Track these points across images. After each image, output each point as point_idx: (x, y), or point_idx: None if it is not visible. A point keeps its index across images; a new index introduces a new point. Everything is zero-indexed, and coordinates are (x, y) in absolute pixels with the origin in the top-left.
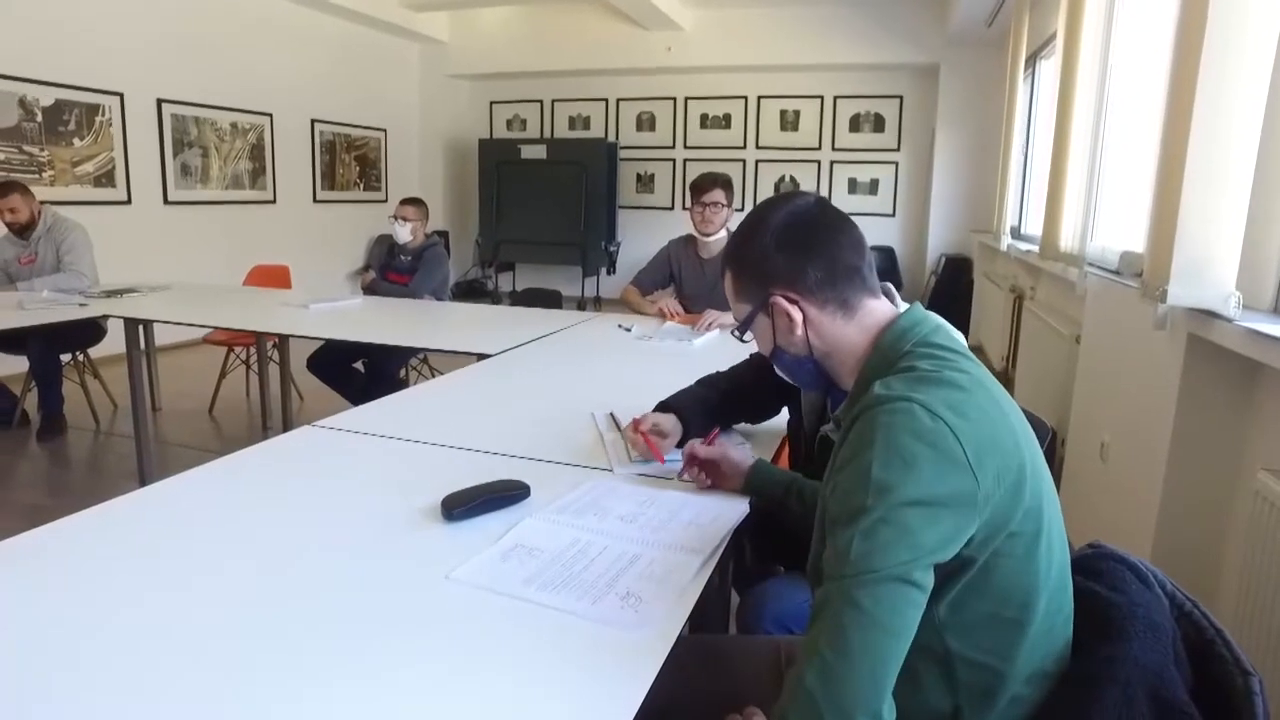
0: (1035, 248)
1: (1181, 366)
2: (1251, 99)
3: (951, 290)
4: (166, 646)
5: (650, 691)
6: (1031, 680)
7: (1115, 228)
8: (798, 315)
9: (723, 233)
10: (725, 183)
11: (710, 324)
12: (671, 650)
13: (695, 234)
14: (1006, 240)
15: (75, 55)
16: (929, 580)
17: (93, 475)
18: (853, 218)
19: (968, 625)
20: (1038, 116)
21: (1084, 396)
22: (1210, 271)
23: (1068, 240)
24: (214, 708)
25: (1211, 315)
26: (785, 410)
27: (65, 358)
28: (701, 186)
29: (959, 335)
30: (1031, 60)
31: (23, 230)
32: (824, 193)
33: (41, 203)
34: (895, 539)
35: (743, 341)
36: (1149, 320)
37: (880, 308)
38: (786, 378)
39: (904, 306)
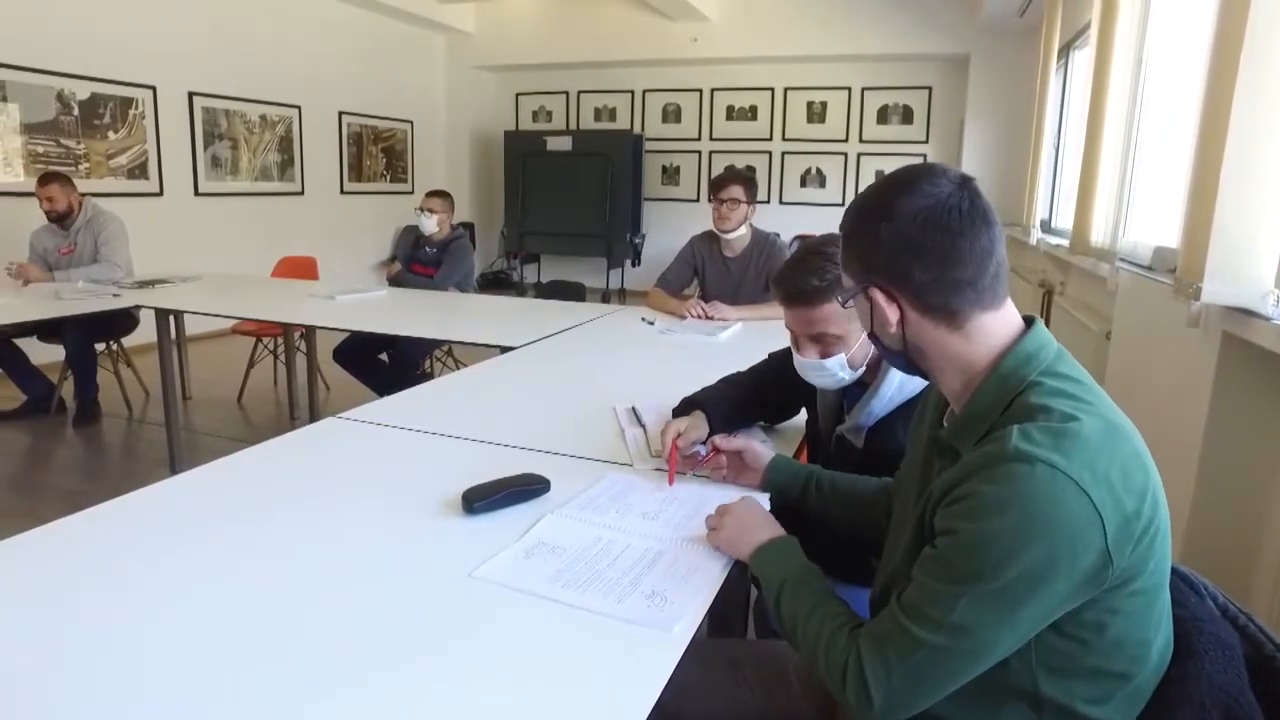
0: (1065, 242)
1: (1215, 365)
2: None
3: None
4: (188, 636)
5: (669, 689)
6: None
7: (1148, 222)
8: (894, 315)
9: (743, 229)
10: (744, 179)
11: (715, 315)
12: (689, 653)
13: (716, 230)
14: (1036, 234)
15: (109, 50)
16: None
17: (126, 461)
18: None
19: (1067, 673)
20: (1070, 108)
21: (1114, 394)
22: (1247, 268)
23: (1099, 235)
24: (233, 696)
25: (1248, 313)
26: (803, 410)
27: (99, 346)
28: (720, 183)
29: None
30: (1064, 51)
31: (62, 220)
32: (850, 187)
33: (82, 195)
34: (1007, 614)
35: (844, 307)
36: (1182, 317)
37: (996, 326)
38: (887, 361)
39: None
